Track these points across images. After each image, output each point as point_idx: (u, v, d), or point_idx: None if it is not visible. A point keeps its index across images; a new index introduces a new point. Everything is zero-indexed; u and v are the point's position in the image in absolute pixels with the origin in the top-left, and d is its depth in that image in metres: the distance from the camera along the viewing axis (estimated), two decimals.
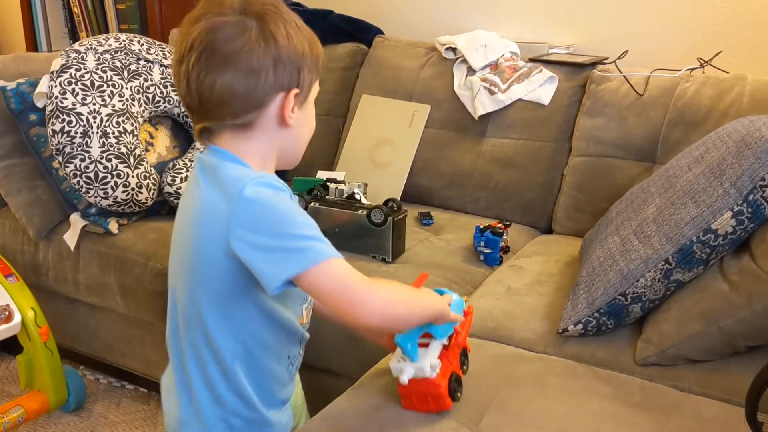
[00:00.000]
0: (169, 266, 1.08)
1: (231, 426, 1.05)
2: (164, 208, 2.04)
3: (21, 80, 1.99)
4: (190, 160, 2.03)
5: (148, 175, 1.91)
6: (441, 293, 1.12)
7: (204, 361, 1.02)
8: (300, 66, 1.00)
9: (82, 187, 1.84)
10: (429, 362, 1.05)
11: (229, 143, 1.00)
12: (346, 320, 0.97)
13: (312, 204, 1.78)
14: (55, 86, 1.84)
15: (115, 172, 1.83)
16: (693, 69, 1.94)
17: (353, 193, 1.82)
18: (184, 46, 0.95)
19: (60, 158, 1.83)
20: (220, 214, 0.94)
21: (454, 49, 2.20)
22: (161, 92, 2.03)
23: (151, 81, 2.00)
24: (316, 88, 1.07)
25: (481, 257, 1.77)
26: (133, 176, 1.86)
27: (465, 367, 1.18)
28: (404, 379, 1.06)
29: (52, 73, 1.86)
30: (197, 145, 2.11)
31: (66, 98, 1.82)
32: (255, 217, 0.93)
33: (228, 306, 1.00)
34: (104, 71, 1.90)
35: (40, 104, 1.91)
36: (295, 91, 1.00)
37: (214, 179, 0.98)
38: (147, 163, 1.93)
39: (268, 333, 1.03)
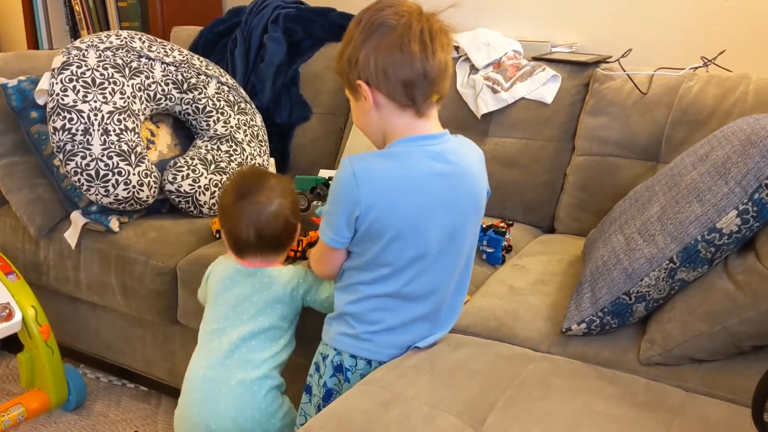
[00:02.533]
0: (447, 224, 1.27)
1: None
2: (165, 206, 2.03)
3: (22, 77, 1.99)
4: (191, 158, 2.02)
5: (149, 173, 1.90)
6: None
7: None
8: None
9: (83, 185, 1.84)
10: None
11: (436, 115, 1.28)
12: None
13: (314, 202, 1.77)
14: (56, 83, 1.83)
15: (116, 170, 1.82)
16: (697, 68, 1.94)
17: None
18: (438, 39, 1.21)
19: (61, 156, 1.82)
20: (481, 167, 1.32)
21: (456, 48, 2.19)
22: (162, 90, 2.02)
23: (153, 78, 1.99)
24: None
25: (484, 256, 1.76)
26: (134, 174, 1.85)
27: None
28: None
29: (53, 70, 1.86)
30: (198, 142, 2.10)
31: (67, 95, 1.82)
32: None
33: None
34: (105, 68, 1.89)
35: (41, 101, 1.91)
36: None
37: (466, 142, 1.32)
38: (148, 161, 1.92)
39: None
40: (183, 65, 2.08)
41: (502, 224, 1.77)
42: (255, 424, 1.41)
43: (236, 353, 1.42)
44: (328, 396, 1.35)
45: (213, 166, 2.04)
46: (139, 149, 1.89)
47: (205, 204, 1.98)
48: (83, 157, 1.81)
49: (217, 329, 1.45)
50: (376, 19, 1.20)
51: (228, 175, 2.05)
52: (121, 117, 1.87)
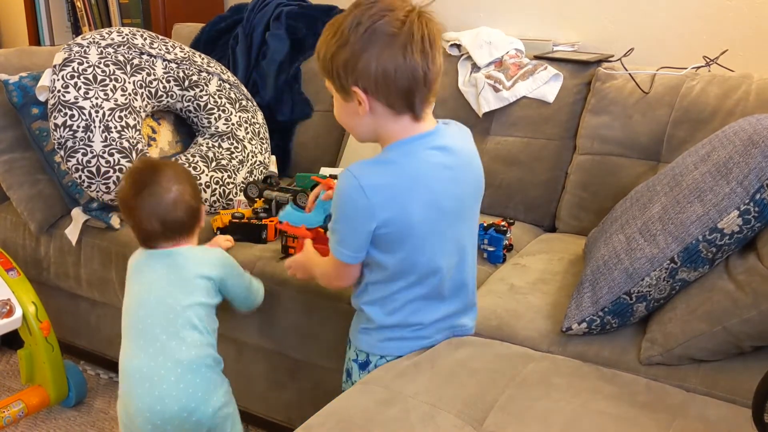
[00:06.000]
0: (453, 214, 1.27)
1: None
2: None
3: (23, 74, 1.99)
4: (193, 156, 2.02)
5: None
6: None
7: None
8: None
9: (84, 181, 1.84)
10: None
11: (431, 113, 1.25)
12: None
13: (281, 201, 1.80)
14: (58, 80, 1.83)
15: (117, 167, 1.82)
16: (699, 67, 1.93)
17: None
18: (437, 44, 1.18)
19: (62, 152, 1.82)
20: (475, 148, 1.33)
21: (458, 46, 2.19)
22: (164, 87, 2.02)
23: (154, 75, 1.99)
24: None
25: (485, 255, 1.76)
26: None
27: None
28: None
29: (54, 66, 1.85)
30: (199, 140, 2.10)
31: (68, 92, 1.82)
32: None
33: None
34: (107, 65, 1.89)
35: (42, 98, 1.91)
36: None
37: (456, 128, 1.31)
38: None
39: None
40: (184, 62, 2.08)
41: (503, 223, 1.76)
42: (198, 402, 1.42)
43: (165, 335, 1.42)
44: None
45: (214, 164, 2.04)
46: (140, 146, 1.89)
47: (206, 201, 1.98)
48: (84, 154, 1.81)
49: (140, 315, 1.45)
50: (377, 27, 1.14)
51: (229, 173, 2.05)
52: (122, 114, 1.86)
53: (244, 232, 1.80)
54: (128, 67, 1.93)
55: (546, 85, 2.04)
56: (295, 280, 1.64)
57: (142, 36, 2.03)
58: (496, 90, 2.06)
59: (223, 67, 2.23)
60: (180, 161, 1.99)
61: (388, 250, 1.22)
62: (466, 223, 1.31)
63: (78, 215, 1.95)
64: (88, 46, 1.90)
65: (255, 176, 2.13)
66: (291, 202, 1.70)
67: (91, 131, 1.81)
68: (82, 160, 1.81)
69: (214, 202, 2.01)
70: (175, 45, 2.11)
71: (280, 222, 1.55)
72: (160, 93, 2.01)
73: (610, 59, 2.07)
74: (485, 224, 1.76)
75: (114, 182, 1.83)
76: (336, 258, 1.25)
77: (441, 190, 1.22)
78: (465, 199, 1.29)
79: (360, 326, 1.33)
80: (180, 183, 1.49)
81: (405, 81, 1.15)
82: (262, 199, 1.93)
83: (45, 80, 1.86)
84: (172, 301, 1.43)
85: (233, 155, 2.09)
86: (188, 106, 2.09)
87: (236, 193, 2.05)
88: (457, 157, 1.25)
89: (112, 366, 2.16)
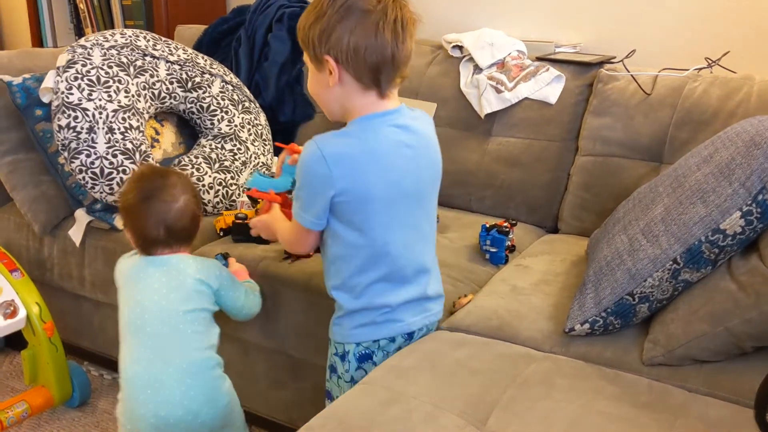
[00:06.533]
0: (413, 195, 1.31)
1: None
2: None
3: (27, 75, 1.99)
4: (196, 157, 2.03)
5: None
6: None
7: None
8: None
9: (87, 182, 1.84)
10: None
11: (396, 93, 1.30)
12: None
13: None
14: (61, 81, 1.83)
15: (120, 168, 1.83)
16: (701, 69, 1.94)
17: None
18: (408, 29, 1.24)
19: (66, 154, 1.83)
20: (435, 136, 1.37)
21: (460, 47, 2.19)
22: (167, 88, 2.02)
23: (157, 77, 2.00)
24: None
25: (487, 256, 1.76)
26: None
27: None
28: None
29: (58, 68, 1.86)
30: (202, 141, 2.11)
31: (72, 94, 1.82)
32: None
33: None
34: (110, 67, 1.90)
35: (45, 99, 1.91)
36: None
37: (420, 113, 1.35)
38: (152, 159, 1.92)
39: None
40: (187, 64, 2.09)
41: (505, 224, 1.77)
42: (201, 404, 1.43)
43: (167, 342, 1.43)
44: None
45: (217, 165, 2.04)
46: (143, 147, 1.89)
47: (209, 203, 1.99)
48: (88, 155, 1.81)
49: (138, 322, 1.45)
50: (353, 3, 1.21)
51: (232, 174, 2.05)
52: (125, 115, 1.87)
53: (247, 232, 1.81)
54: (131, 69, 1.94)
55: (548, 87, 2.04)
56: (297, 280, 1.65)
57: (145, 38, 2.04)
58: (498, 91, 2.06)
59: (225, 69, 2.24)
60: (183, 162, 1.99)
61: (344, 220, 1.27)
62: (424, 207, 1.35)
63: (81, 216, 1.95)
64: (91, 48, 1.90)
65: None
66: (258, 171, 1.70)
67: (95, 133, 1.81)
68: (85, 161, 1.81)
69: (218, 203, 2.01)
70: (178, 47, 2.12)
71: (248, 189, 1.57)
72: (163, 95, 2.02)
73: (612, 60, 2.07)
74: (487, 225, 1.76)
75: (118, 183, 1.83)
76: (298, 223, 1.30)
77: (402, 169, 1.27)
78: (424, 181, 1.34)
79: (334, 319, 1.38)
80: (186, 192, 1.50)
81: (374, 57, 1.21)
82: None
83: (48, 82, 1.87)
84: (172, 308, 1.44)
85: (236, 156, 2.10)
86: (191, 107, 2.10)
87: (239, 195, 2.06)
88: (417, 138, 1.30)
89: (115, 366, 2.15)
